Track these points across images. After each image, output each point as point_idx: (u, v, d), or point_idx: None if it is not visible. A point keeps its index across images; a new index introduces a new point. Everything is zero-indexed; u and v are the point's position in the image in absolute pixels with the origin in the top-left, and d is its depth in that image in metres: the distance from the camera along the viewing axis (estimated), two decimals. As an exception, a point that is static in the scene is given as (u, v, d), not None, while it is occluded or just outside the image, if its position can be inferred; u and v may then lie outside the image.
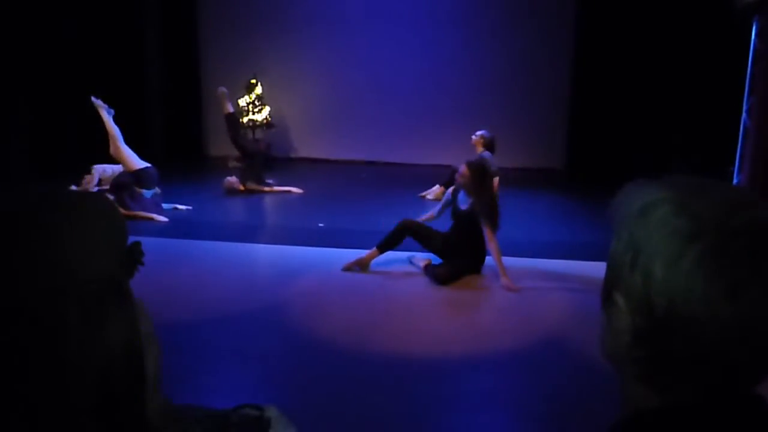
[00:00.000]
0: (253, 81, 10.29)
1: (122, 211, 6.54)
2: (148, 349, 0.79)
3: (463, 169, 5.35)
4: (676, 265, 0.66)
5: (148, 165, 7.12)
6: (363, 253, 5.70)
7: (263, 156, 8.43)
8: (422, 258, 5.60)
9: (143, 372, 0.75)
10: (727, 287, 0.64)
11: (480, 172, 5.32)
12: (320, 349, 4.03)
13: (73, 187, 7.86)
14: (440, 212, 5.80)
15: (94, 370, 0.69)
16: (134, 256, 0.78)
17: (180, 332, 4.08)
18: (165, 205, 7.16)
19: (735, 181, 6.27)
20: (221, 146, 10.65)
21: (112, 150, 6.94)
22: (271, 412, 0.92)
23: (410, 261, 5.69)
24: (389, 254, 5.85)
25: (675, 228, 0.67)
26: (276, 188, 8.50)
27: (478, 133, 7.62)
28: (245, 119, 10.24)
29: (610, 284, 0.76)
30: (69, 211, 0.72)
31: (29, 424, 0.67)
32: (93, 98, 6.99)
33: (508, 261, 5.77)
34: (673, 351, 0.68)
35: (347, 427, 3.18)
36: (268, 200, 8.42)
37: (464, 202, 5.44)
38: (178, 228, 6.79)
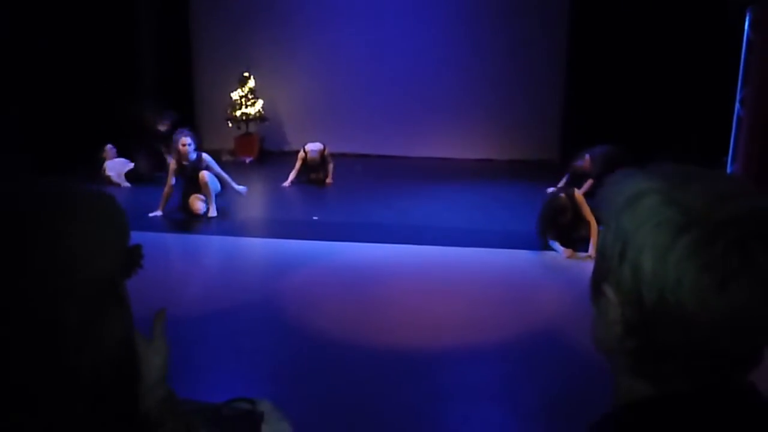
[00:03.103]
0: (246, 74, 10.24)
1: None
2: (150, 349, 0.80)
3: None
4: (665, 257, 0.65)
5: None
6: (358, 246, 5.71)
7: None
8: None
9: (136, 371, 0.74)
10: (717, 278, 0.63)
11: None
12: (313, 343, 4.02)
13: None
14: None
15: (89, 368, 0.69)
16: (134, 258, 0.77)
17: (172, 326, 4.05)
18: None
19: (729, 170, 6.29)
20: (214, 139, 10.60)
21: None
22: (264, 405, 0.91)
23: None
24: (383, 248, 5.85)
25: (663, 219, 0.66)
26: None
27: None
28: (238, 113, 10.20)
29: (599, 276, 0.75)
30: (73, 210, 0.71)
31: (26, 417, 0.67)
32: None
33: (504, 252, 5.80)
34: (664, 342, 0.68)
35: (340, 420, 3.18)
36: (261, 194, 8.40)
37: None
38: (171, 222, 6.77)
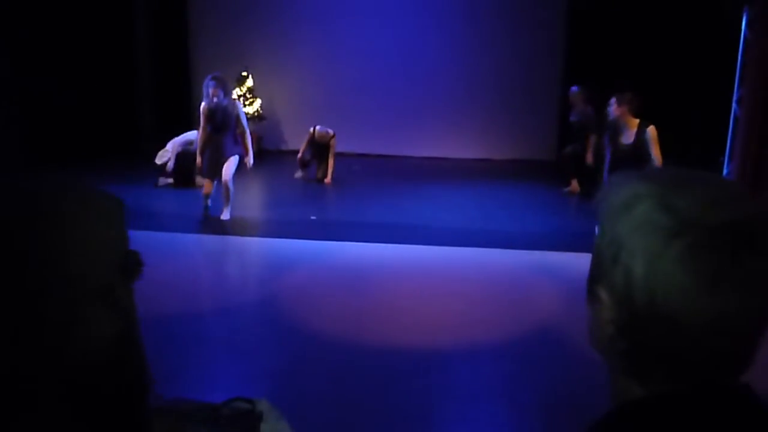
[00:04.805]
0: (244, 73, 10.24)
1: None
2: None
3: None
4: (657, 262, 0.66)
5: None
6: (356, 246, 5.69)
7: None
8: None
9: (129, 378, 0.74)
10: (706, 283, 0.65)
11: None
12: (312, 342, 4.02)
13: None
14: None
15: (68, 366, 0.68)
16: (130, 265, 0.75)
17: (171, 325, 4.07)
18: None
19: (725, 171, 6.30)
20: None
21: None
22: (263, 405, 0.91)
23: None
24: (381, 248, 5.85)
25: (656, 225, 0.67)
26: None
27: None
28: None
29: (594, 278, 0.76)
30: (70, 207, 0.70)
31: (4, 408, 0.67)
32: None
33: (501, 252, 5.80)
34: (654, 344, 0.69)
35: (338, 419, 3.18)
36: (259, 193, 8.39)
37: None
38: (169, 221, 6.76)
